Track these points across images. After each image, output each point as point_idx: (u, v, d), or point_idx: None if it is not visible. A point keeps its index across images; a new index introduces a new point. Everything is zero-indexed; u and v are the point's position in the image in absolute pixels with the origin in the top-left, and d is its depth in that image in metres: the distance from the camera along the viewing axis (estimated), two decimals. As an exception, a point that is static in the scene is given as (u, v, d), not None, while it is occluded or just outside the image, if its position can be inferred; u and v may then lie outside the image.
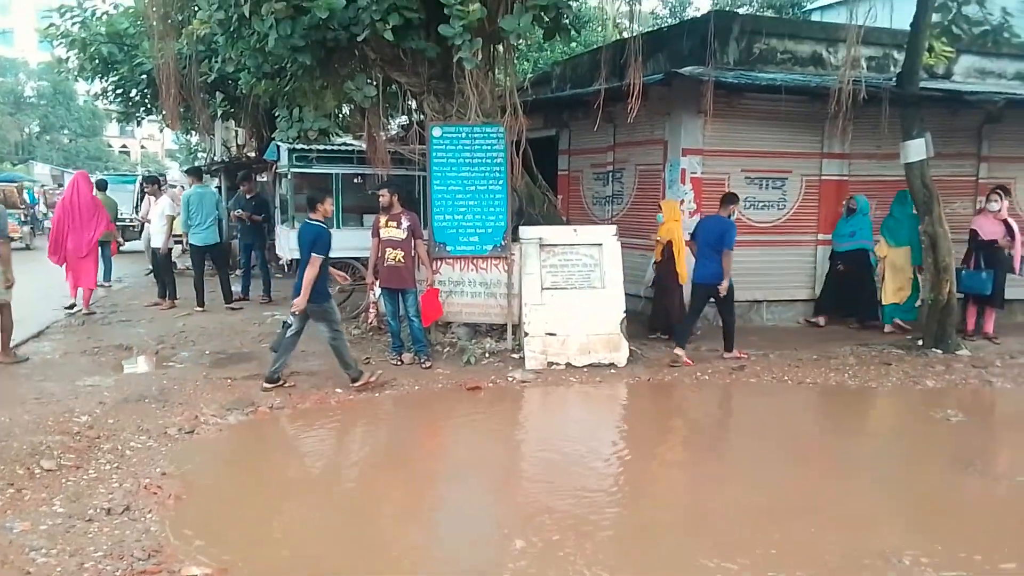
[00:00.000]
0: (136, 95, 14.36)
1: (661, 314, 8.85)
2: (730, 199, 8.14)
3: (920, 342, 8.49)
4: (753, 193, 9.50)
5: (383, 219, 7.55)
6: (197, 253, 10.48)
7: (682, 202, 9.08)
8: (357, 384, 6.85)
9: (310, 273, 6.54)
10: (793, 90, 8.73)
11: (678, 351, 7.86)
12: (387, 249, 7.51)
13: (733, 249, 7.78)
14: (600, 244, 8.13)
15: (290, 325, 6.81)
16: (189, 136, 23.90)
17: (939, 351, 8.30)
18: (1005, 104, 9.28)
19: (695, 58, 9.44)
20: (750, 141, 9.45)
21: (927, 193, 8.47)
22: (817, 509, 4.58)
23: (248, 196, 11.39)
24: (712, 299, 8.10)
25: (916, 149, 8.44)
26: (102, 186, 12.84)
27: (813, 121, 9.43)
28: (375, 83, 8.10)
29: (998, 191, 9.12)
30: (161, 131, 26.37)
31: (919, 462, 5.59)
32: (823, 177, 9.73)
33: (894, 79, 8.88)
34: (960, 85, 10.46)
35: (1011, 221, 9.02)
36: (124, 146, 60.75)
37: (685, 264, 8.52)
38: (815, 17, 25.42)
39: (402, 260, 7.50)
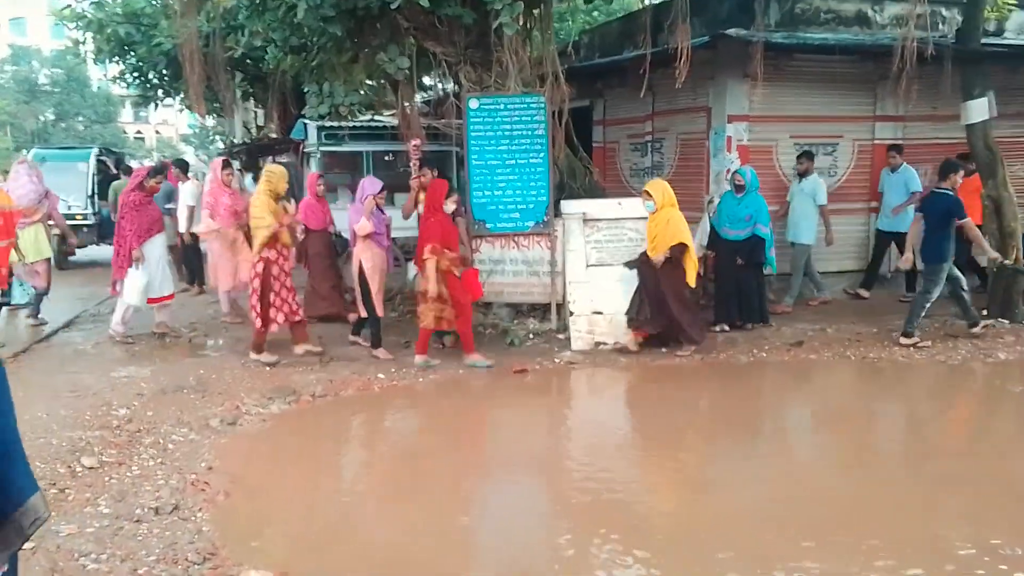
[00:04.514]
0: (154, 77, 14.08)
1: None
2: None
3: (985, 312, 8.09)
4: (803, 160, 9.07)
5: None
6: None
7: (728, 171, 8.69)
8: (907, 342, 7.22)
9: (973, 234, 7.31)
10: (847, 50, 8.29)
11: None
12: (427, 227, 7.20)
13: None
14: (646, 218, 7.75)
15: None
16: (205, 120, 23.62)
17: (1006, 321, 7.90)
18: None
19: (734, 21, 8.98)
20: (799, 105, 9.03)
21: (990, 155, 8.04)
22: (906, 497, 4.25)
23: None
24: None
25: (978, 109, 7.99)
26: (127, 172, 12.61)
27: (865, 83, 9.02)
28: (408, 54, 7.75)
29: None
30: (182, 111, 25.80)
31: (1010, 443, 5.25)
32: (876, 141, 9.30)
33: (947, 36, 8.44)
34: (1014, 42, 9.94)
35: None
36: (139, 132, 60.65)
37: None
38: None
39: (442, 238, 7.18)
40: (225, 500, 4.24)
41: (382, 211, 7.13)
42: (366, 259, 6.86)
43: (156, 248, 7.60)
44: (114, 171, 14.23)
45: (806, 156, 8.75)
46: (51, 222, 8.74)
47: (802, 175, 8.74)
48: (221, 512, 4.09)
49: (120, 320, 7.57)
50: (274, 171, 6.95)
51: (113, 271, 7.60)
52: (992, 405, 6.35)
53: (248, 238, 8.05)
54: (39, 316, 8.48)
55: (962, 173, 7.44)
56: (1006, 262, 7.56)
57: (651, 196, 7.14)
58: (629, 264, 7.39)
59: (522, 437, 5.61)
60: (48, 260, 8.43)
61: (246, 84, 13.80)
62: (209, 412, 5.62)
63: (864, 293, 9.22)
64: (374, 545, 3.86)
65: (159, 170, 8.01)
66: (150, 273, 7.48)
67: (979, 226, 8.75)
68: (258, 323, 6.82)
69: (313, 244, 8.13)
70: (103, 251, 14.03)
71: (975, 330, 7.44)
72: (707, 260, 8.22)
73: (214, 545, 3.68)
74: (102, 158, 14.31)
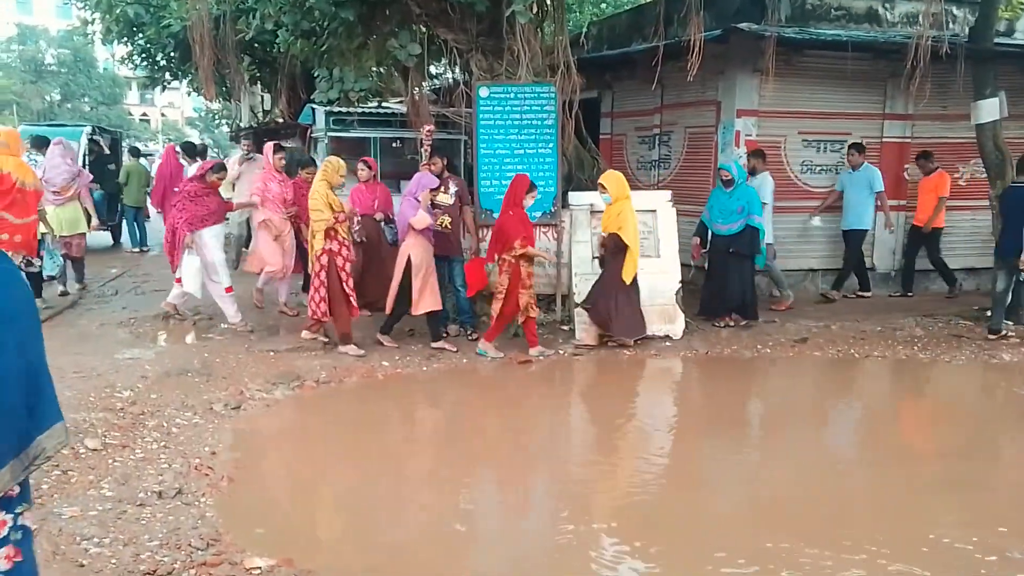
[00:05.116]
0: (162, 59, 14.01)
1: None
2: None
3: (989, 313, 8.06)
4: (810, 157, 9.05)
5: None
6: None
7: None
8: (993, 336, 7.42)
9: None
10: (859, 47, 8.22)
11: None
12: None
13: None
14: (654, 211, 7.74)
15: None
16: (212, 103, 23.50)
17: (1009, 323, 7.87)
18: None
19: (744, 15, 8.92)
20: (808, 102, 8.97)
21: (1000, 156, 8.03)
22: (911, 496, 4.25)
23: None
24: None
25: (989, 109, 7.97)
26: (135, 153, 12.59)
27: (874, 80, 8.96)
28: (419, 41, 7.71)
29: None
30: (189, 94, 25.53)
31: (1015, 443, 5.24)
32: (884, 140, 9.24)
33: (959, 36, 8.39)
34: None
35: None
36: (144, 114, 60.59)
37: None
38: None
39: (449, 226, 7.16)
40: (229, 485, 4.23)
41: (433, 206, 7.00)
42: (415, 254, 6.72)
43: (210, 238, 7.49)
44: (107, 152, 13.64)
45: (754, 155, 8.44)
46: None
47: (751, 173, 8.31)
48: (225, 497, 4.09)
49: (174, 298, 7.83)
50: (331, 161, 6.75)
51: (171, 259, 7.70)
52: (997, 406, 6.33)
53: (297, 228, 7.93)
54: (65, 285, 9.00)
55: None
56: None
57: (606, 188, 7.03)
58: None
59: (523, 428, 5.60)
60: (84, 234, 9.13)
61: (254, 68, 13.73)
62: (213, 396, 5.61)
63: (866, 294, 9.16)
64: (377, 533, 3.86)
65: (223, 166, 8.04)
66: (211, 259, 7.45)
67: (942, 228, 9.03)
68: (324, 315, 6.78)
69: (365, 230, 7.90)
70: (94, 236, 13.89)
71: (991, 336, 7.42)
72: (693, 253, 8.14)
73: (217, 531, 3.67)
74: (95, 138, 13.41)
